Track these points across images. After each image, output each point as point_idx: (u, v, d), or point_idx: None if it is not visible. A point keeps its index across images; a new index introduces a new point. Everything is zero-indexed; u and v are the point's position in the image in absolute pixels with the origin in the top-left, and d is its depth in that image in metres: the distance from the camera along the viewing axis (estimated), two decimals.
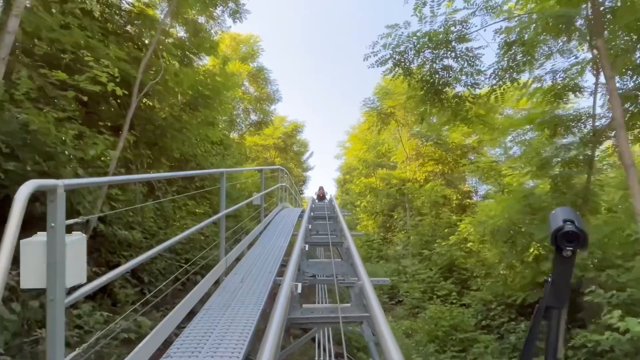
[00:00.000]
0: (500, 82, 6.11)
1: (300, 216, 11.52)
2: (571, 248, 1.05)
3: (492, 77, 6.18)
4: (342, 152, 34.55)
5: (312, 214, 8.12)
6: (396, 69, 6.38)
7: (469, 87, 6.49)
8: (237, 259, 5.73)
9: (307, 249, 4.68)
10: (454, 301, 9.12)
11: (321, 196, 20.04)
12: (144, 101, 7.84)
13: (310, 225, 6.32)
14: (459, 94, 6.64)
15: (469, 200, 14.88)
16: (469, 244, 10.79)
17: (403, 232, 15.15)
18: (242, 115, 20.68)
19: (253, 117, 21.00)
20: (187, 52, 8.80)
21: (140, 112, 7.69)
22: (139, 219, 6.51)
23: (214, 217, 4.75)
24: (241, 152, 17.96)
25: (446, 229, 11.68)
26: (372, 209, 20.38)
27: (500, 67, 6.00)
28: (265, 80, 21.18)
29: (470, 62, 6.14)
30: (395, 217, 16.78)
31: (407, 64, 6.27)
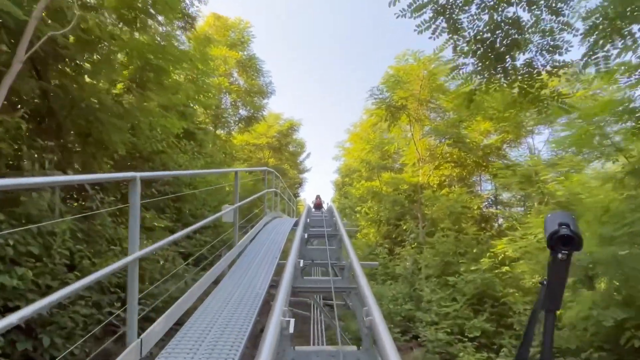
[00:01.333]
0: (602, 41, 3.90)
1: (295, 225, 9.25)
2: (566, 251, 1.04)
3: (587, 34, 3.94)
4: (341, 153, 32.42)
5: (305, 235, 5.82)
6: (437, 21, 4.14)
7: (545, 51, 4.26)
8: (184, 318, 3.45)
9: (291, 329, 2.35)
10: (496, 349, 6.86)
11: (318, 204, 17.81)
12: (71, 74, 5.53)
13: (302, 262, 4.06)
14: (531, 62, 4.39)
15: (491, 210, 12.67)
16: (504, 268, 8.53)
17: (414, 246, 12.88)
18: (230, 110, 18.35)
19: (243, 112, 18.68)
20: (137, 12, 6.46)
21: (61, 89, 5.39)
22: (30, 249, 4.19)
23: (109, 269, 2.40)
24: (226, 151, 15.62)
25: (474, 248, 9.42)
26: (376, 216, 18.10)
27: (605, 15, 3.76)
28: (257, 71, 18.88)
29: (553, 9, 3.91)
30: (404, 227, 14.50)
31: (455, 11, 4.05)
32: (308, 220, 7.18)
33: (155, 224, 7.59)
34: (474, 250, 9.18)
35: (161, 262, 7.21)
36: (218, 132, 17.35)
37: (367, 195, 20.06)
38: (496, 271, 8.42)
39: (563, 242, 1.05)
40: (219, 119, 16.52)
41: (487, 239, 9.58)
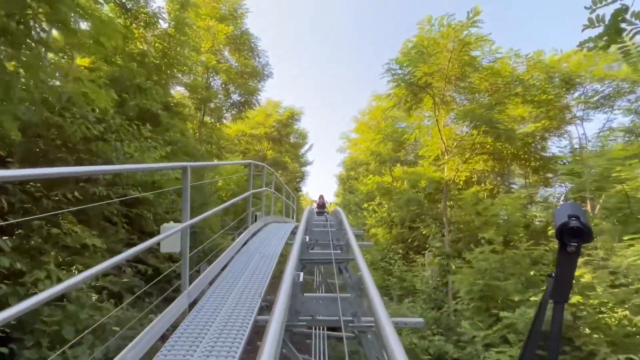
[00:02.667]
0: None
1: (293, 232, 7.01)
2: (575, 244, 1.03)
3: None
4: (346, 145, 30.18)
5: (301, 275, 3.51)
6: None
7: None
8: None
9: None
10: None
11: (321, 205, 15.57)
12: None
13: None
14: None
15: (534, 214, 10.31)
16: (574, 298, 6.21)
17: (438, 255, 10.60)
18: (221, 94, 15.96)
19: (236, 96, 16.30)
20: None
21: None
22: None
23: None
24: (212, 141, 13.31)
25: (528, 268, 7.04)
26: (387, 216, 15.81)
27: None
28: (251, 49, 16.46)
29: None
30: (424, 232, 12.18)
31: None
32: (307, 238, 4.88)
33: (97, 242, 5.30)
34: (531, 273, 6.84)
35: (94, 297, 4.99)
36: (206, 119, 15.04)
37: (376, 192, 17.77)
38: (574, 308, 6.11)
39: (573, 234, 1.02)
40: (205, 103, 14.16)
41: (539, 258, 7.23)
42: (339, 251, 4.90)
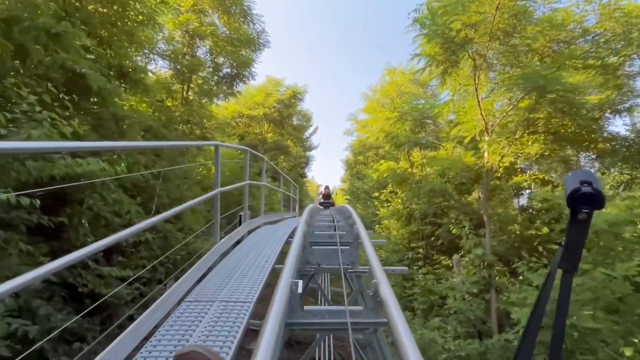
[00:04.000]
0: None
1: (288, 241, 4.93)
2: (587, 210, 0.98)
3: None
4: (353, 127, 27.80)
5: None
6: None
7: None
8: None
9: None
10: None
11: (326, 195, 13.37)
12: None
13: None
14: None
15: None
16: None
17: (477, 266, 8.34)
18: (211, 69, 13.54)
19: (225, 69, 13.86)
20: None
21: None
22: None
23: None
24: (192, 121, 10.98)
25: None
26: (404, 209, 13.53)
27: None
28: (244, 13, 13.94)
29: None
30: (453, 230, 9.88)
31: None
32: (300, 285, 2.63)
33: None
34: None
35: None
36: (192, 96, 12.68)
37: (389, 179, 15.43)
38: None
39: (584, 200, 0.96)
40: (189, 75, 11.78)
41: None
42: (360, 307, 2.63)
